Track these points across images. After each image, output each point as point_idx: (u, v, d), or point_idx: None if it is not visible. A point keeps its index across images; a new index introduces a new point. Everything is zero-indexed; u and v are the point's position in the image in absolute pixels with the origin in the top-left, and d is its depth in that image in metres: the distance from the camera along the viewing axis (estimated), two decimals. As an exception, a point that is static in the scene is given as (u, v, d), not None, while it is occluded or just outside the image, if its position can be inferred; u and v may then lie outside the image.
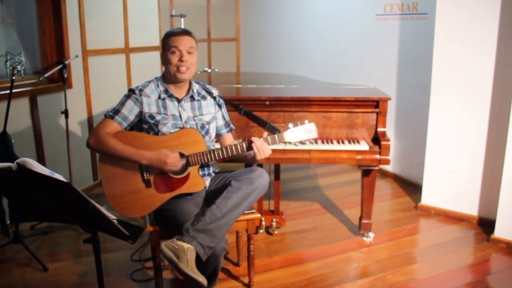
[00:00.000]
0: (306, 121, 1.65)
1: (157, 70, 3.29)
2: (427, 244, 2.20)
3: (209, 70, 3.28)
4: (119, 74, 2.98)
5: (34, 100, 2.36)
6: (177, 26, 3.43)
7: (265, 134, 1.63)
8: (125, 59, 2.96)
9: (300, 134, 1.64)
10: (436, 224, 2.40)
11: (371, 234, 2.26)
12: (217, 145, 1.92)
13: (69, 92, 2.59)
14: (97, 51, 2.75)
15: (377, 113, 2.12)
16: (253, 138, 1.60)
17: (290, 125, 1.63)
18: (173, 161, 1.57)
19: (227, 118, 1.83)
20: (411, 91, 2.94)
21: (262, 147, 1.59)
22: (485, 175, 2.34)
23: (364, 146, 2.07)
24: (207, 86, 1.79)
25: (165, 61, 1.63)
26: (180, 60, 1.60)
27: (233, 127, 1.84)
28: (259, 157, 1.60)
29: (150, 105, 1.64)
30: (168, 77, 1.66)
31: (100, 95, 2.83)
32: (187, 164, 1.63)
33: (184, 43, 1.59)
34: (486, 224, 2.35)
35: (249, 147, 1.61)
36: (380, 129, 2.13)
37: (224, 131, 1.81)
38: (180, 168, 1.61)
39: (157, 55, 3.23)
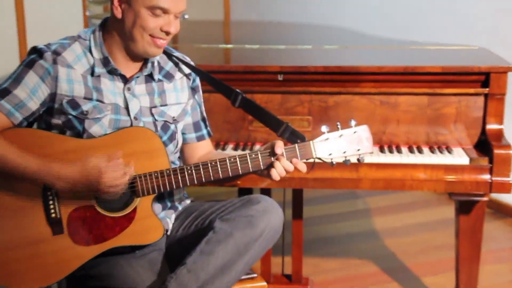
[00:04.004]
0: (353, 123, 1.67)
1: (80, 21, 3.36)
2: None
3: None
4: (3, 20, 3.05)
5: None
6: None
7: (277, 146, 1.64)
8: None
9: (341, 145, 1.65)
10: None
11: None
12: (191, 160, 1.90)
13: None
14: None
15: (486, 95, 2.08)
16: (278, 143, 1.64)
17: (324, 128, 1.66)
18: (115, 176, 1.57)
19: (203, 114, 1.87)
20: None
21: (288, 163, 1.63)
22: None
23: (460, 157, 2.04)
24: (176, 53, 1.83)
25: (126, 20, 1.64)
26: (166, 30, 1.64)
27: (211, 132, 1.90)
28: (276, 176, 1.64)
29: (72, 84, 1.66)
30: (117, 42, 1.69)
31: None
32: (133, 193, 1.63)
33: (179, 5, 1.64)
34: None
35: (272, 154, 1.64)
36: (492, 126, 2.08)
37: (192, 136, 1.85)
38: (120, 198, 1.62)
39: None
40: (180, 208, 1.81)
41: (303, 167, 1.65)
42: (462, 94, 2.09)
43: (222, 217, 1.65)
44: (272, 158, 1.64)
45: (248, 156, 1.64)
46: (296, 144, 1.65)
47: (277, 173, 1.64)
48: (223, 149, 2.10)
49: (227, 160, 1.63)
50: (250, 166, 1.64)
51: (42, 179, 1.56)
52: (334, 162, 1.67)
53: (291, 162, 1.64)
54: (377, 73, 2.10)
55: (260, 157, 1.64)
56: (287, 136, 1.73)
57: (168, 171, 1.62)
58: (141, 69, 1.72)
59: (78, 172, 1.56)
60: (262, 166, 1.65)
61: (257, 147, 2.12)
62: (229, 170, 1.64)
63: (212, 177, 1.64)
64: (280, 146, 1.63)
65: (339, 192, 3.49)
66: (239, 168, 1.64)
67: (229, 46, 2.61)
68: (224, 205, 1.72)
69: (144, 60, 1.73)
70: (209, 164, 1.63)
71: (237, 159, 1.64)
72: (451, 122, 2.11)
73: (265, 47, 2.49)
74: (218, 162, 1.63)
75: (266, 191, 2.29)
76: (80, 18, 3.54)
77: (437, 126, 2.11)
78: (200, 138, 1.85)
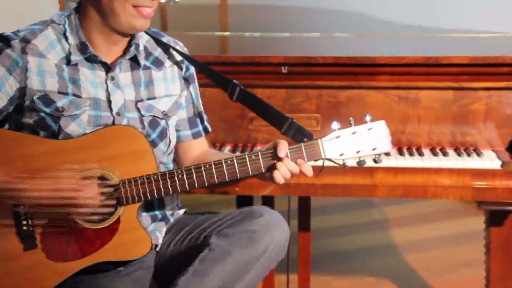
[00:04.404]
0: (368, 118, 1.66)
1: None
2: None
3: (163, 0, 3.33)
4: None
5: None
6: None
7: (280, 147, 1.64)
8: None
9: (354, 144, 1.65)
10: None
11: None
12: (185, 161, 1.92)
13: None
14: None
15: (522, 90, 2.13)
16: (281, 143, 1.64)
17: (335, 125, 1.66)
18: (92, 194, 1.58)
19: (199, 108, 1.88)
20: None
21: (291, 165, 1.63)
22: None
23: (490, 161, 2.03)
24: (167, 36, 1.84)
25: None
26: None
27: (209, 128, 1.91)
28: (280, 179, 1.63)
29: (44, 76, 1.66)
30: (96, 23, 1.68)
31: None
32: (116, 201, 1.64)
33: None
34: None
35: (274, 157, 1.64)
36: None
37: (187, 133, 1.85)
38: (100, 208, 1.62)
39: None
40: (172, 220, 1.82)
41: (309, 170, 1.64)
42: (493, 89, 2.09)
43: (219, 232, 1.65)
44: (262, 160, 1.63)
45: (247, 158, 1.63)
46: (302, 143, 1.64)
47: (280, 175, 1.62)
48: (220, 150, 2.09)
49: (223, 163, 1.63)
50: (249, 169, 1.63)
51: (5, 196, 1.55)
52: (346, 164, 1.66)
53: (295, 163, 1.64)
54: (396, 64, 2.09)
55: (261, 159, 1.63)
56: (292, 133, 1.73)
57: (155, 176, 1.62)
58: (123, 53, 1.72)
59: (49, 191, 1.54)
60: (263, 169, 1.64)
61: (258, 149, 2.09)
62: (226, 174, 1.63)
63: (206, 182, 1.63)
64: (283, 148, 1.62)
65: (352, 201, 3.50)
66: (237, 171, 1.63)
67: (226, 33, 2.62)
68: (221, 218, 1.72)
69: (128, 43, 1.72)
70: (202, 168, 1.62)
71: (235, 161, 1.63)
72: (480, 121, 2.10)
73: (267, 35, 2.50)
74: (213, 165, 1.63)
75: (268, 199, 2.29)
76: (55, 1, 3.50)
77: (464, 125, 2.11)
78: (196, 135, 1.85)
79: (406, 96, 2.10)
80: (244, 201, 2.34)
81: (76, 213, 1.58)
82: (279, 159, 1.62)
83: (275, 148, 1.63)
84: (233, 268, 1.58)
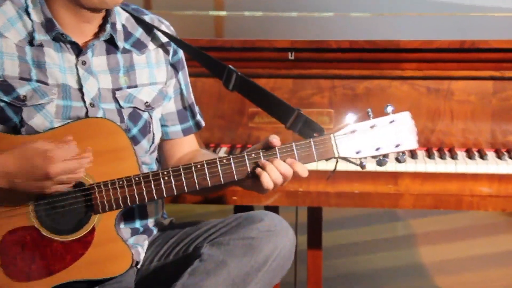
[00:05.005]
0: (389, 109, 1.66)
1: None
2: None
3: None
4: None
5: None
6: None
7: (273, 137, 1.65)
8: None
9: (373, 139, 1.66)
10: None
11: None
12: (171, 161, 1.92)
13: None
14: None
15: None
16: (273, 138, 1.64)
17: (350, 117, 1.73)
18: (68, 167, 1.55)
19: (190, 99, 1.89)
20: None
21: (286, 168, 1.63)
22: None
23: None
24: (150, 14, 1.85)
25: None
26: None
27: (202, 122, 1.92)
28: (269, 185, 1.63)
29: (2, 59, 1.67)
30: None
31: None
32: (90, 209, 1.64)
33: None
34: None
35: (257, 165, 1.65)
36: None
37: (176, 128, 1.87)
38: (72, 215, 1.63)
39: None
40: (155, 232, 1.83)
41: (303, 170, 1.63)
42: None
43: (212, 241, 1.66)
44: (262, 158, 1.63)
45: (246, 156, 1.64)
46: (311, 139, 1.64)
47: (270, 179, 1.61)
48: (214, 152, 2.09)
49: (218, 162, 1.63)
50: (248, 168, 1.64)
51: None
52: (364, 163, 1.65)
53: (284, 161, 1.62)
54: (424, 49, 2.10)
55: (245, 159, 1.63)
56: (299, 128, 1.74)
57: (137, 178, 1.62)
58: (98, 33, 1.73)
59: (16, 160, 1.55)
60: (249, 171, 1.63)
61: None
62: (221, 175, 1.63)
63: (197, 186, 1.63)
64: (275, 137, 1.62)
65: (372, 212, 3.49)
66: (234, 172, 1.64)
67: (222, 13, 2.63)
68: (214, 225, 1.73)
69: (102, 21, 1.72)
70: (193, 168, 1.62)
71: (231, 160, 1.63)
72: (527, 118, 2.12)
73: (271, 15, 2.53)
74: (205, 165, 1.63)
75: (271, 210, 2.27)
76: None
77: (506, 122, 2.12)
78: (187, 132, 1.87)
79: (437, 88, 2.11)
80: (240, 207, 2.35)
81: (45, 191, 1.56)
82: (267, 157, 1.62)
83: (266, 143, 1.64)
84: (228, 281, 1.58)
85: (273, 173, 1.61)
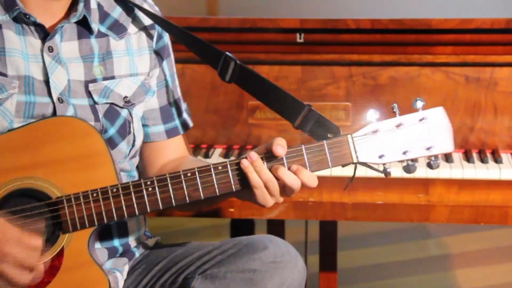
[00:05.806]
0: (419, 104, 1.69)
1: None
2: None
3: None
4: None
5: None
6: None
7: (276, 143, 1.67)
8: None
9: (400, 141, 1.70)
10: None
11: None
12: (153, 169, 1.99)
13: None
14: None
15: None
16: (277, 145, 1.66)
17: (371, 114, 1.71)
18: (20, 277, 1.62)
19: (176, 93, 1.94)
20: None
21: (290, 176, 1.68)
22: None
23: None
24: None
25: None
26: None
27: (190, 122, 1.96)
28: (266, 202, 1.69)
29: None
30: None
31: None
32: (58, 227, 1.68)
33: None
34: None
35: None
36: None
37: (158, 129, 1.93)
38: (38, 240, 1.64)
39: None
40: (137, 255, 1.86)
41: (310, 180, 1.67)
42: None
43: (204, 273, 1.71)
44: (265, 164, 1.65)
45: (220, 166, 1.69)
46: (324, 141, 1.68)
47: (262, 193, 1.65)
48: (207, 156, 2.17)
49: (212, 169, 1.67)
50: (222, 180, 1.69)
51: None
52: (388, 170, 1.68)
53: (289, 169, 1.64)
54: (460, 30, 2.21)
55: (265, 163, 1.67)
56: (309, 127, 1.78)
57: (114, 189, 1.66)
58: (68, 15, 1.74)
59: None
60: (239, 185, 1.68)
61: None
62: (216, 185, 1.67)
63: (187, 198, 1.67)
64: (279, 144, 1.64)
65: (398, 228, 3.58)
66: (232, 182, 1.68)
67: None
68: (208, 253, 1.76)
69: (74, 0, 1.74)
70: (182, 176, 1.67)
71: (228, 166, 1.67)
72: None
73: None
74: (197, 173, 1.67)
75: (276, 226, 2.35)
76: None
77: None
78: (171, 133, 1.91)
79: (477, 76, 2.21)
80: (242, 228, 2.43)
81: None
82: (272, 165, 1.67)
83: (271, 146, 1.65)
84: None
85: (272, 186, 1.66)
